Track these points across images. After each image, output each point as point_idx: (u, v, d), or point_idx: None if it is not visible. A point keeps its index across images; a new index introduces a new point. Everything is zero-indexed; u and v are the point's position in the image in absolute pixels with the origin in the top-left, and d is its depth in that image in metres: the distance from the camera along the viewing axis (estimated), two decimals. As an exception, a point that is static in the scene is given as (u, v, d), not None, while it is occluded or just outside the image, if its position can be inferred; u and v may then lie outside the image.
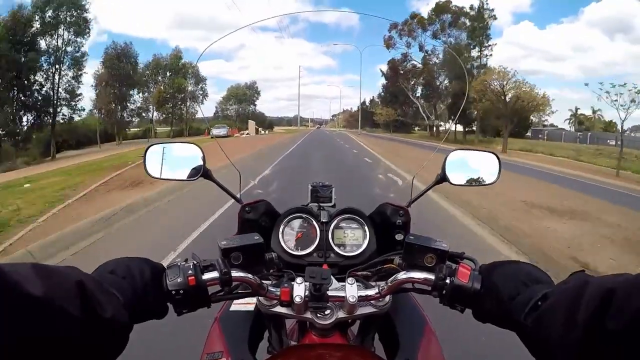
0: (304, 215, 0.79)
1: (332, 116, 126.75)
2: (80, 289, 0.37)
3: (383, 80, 49.33)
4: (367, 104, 73.67)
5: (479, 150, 0.86)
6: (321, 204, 0.86)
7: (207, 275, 0.54)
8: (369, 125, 69.26)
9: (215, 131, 30.49)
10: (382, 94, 55.00)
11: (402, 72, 42.11)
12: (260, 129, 44.29)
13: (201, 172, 0.80)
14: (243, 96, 60.58)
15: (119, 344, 0.43)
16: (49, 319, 0.34)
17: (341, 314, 0.62)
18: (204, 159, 0.80)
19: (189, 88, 41.58)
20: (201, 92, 42.60)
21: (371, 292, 0.61)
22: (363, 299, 0.61)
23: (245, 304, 0.77)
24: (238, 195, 0.86)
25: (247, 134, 37.52)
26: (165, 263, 0.54)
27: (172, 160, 0.82)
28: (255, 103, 63.10)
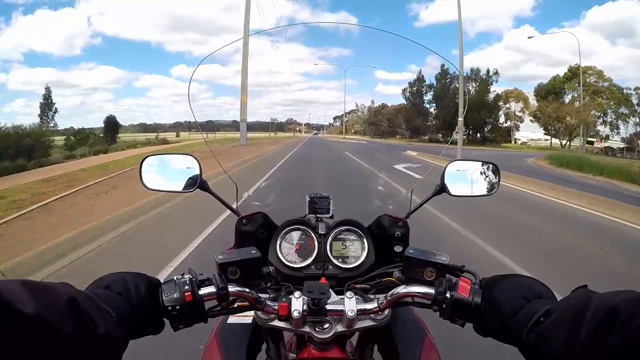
0: (301, 227, 0.78)
1: (334, 118, 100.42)
2: (72, 306, 0.37)
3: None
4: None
5: (479, 161, 0.86)
6: (319, 215, 0.86)
7: (203, 291, 0.53)
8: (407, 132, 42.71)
9: None
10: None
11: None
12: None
13: (198, 184, 0.79)
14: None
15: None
16: (41, 337, 0.33)
17: (340, 328, 0.61)
18: (200, 170, 0.79)
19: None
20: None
21: (370, 305, 0.60)
22: (362, 313, 0.60)
23: (243, 316, 0.76)
24: (235, 207, 0.86)
25: None
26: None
27: (168, 171, 0.82)
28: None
